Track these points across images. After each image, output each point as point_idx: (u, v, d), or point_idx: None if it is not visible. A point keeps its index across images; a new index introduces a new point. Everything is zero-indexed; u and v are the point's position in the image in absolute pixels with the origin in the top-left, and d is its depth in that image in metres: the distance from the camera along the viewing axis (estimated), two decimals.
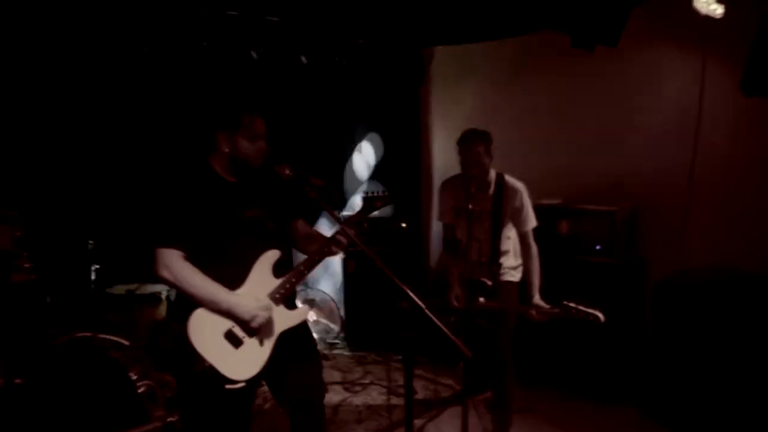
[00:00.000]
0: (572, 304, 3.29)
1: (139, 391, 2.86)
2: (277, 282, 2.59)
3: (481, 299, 3.59)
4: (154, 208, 2.53)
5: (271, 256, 2.60)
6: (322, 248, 2.62)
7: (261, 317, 2.48)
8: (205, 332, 2.46)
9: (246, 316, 2.46)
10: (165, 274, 2.46)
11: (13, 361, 2.07)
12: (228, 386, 2.43)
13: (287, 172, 2.59)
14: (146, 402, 2.76)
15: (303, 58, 5.07)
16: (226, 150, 2.56)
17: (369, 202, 2.77)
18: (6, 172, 3.83)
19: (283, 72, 5.24)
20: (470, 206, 3.44)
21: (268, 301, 2.53)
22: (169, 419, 2.27)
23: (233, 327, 2.49)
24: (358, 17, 4.61)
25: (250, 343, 2.51)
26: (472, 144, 3.47)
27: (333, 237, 2.63)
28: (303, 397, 2.68)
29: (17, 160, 3.95)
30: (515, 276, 3.79)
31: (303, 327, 2.68)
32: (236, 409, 2.65)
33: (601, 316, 3.23)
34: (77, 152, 4.30)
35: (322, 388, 2.88)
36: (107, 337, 3.46)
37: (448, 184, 3.83)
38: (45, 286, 3.26)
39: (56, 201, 4.14)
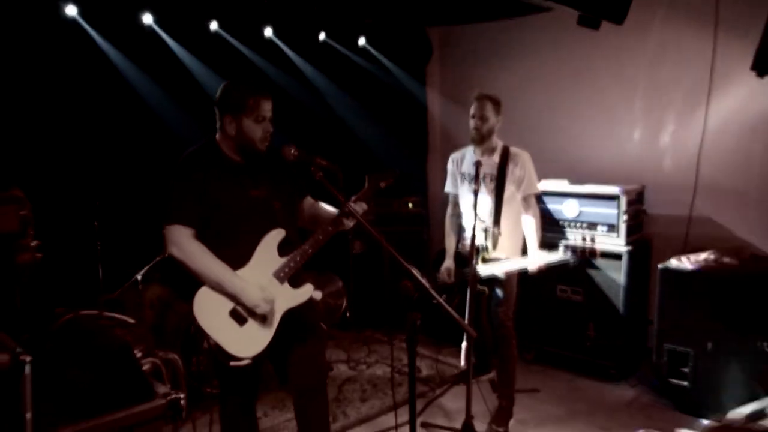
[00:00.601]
0: (569, 244, 3.44)
1: (144, 368, 2.88)
2: (282, 261, 2.58)
3: (482, 264, 3.58)
4: (162, 186, 2.52)
5: (277, 234, 2.59)
6: (327, 228, 2.62)
7: (263, 309, 2.48)
8: (211, 310, 2.47)
9: (249, 304, 2.47)
10: (174, 251, 2.46)
11: (20, 340, 2.08)
12: (233, 363, 2.45)
13: (293, 152, 2.57)
14: (151, 379, 2.78)
15: (321, 35, 5.06)
16: (232, 132, 2.55)
17: (374, 181, 2.75)
18: (10, 152, 3.83)
19: (279, 57, 5.21)
20: (477, 171, 3.47)
21: (272, 292, 2.52)
22: (173, 396, 2.28)
23: (238, 305, 2.50)
24: None
25: (254, 321, 2.51)
26: (482, 99, 3.65)
27: (338, 217, 2.62)
28: (306, 380, 2.70)
29: (21, 139, 3.94)
30: (514, 255, 3.76)
31: (307, 305, 2.68)
32: (242, 386, 2.67)
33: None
34: (83, 131, 4.28)
35: (325, 369, 2.89)
36: (113, 315, 3.49)
37: (457, 154, 3.87)
38: (51, 266, 3.26)
39: (62, 180, 4.14)
